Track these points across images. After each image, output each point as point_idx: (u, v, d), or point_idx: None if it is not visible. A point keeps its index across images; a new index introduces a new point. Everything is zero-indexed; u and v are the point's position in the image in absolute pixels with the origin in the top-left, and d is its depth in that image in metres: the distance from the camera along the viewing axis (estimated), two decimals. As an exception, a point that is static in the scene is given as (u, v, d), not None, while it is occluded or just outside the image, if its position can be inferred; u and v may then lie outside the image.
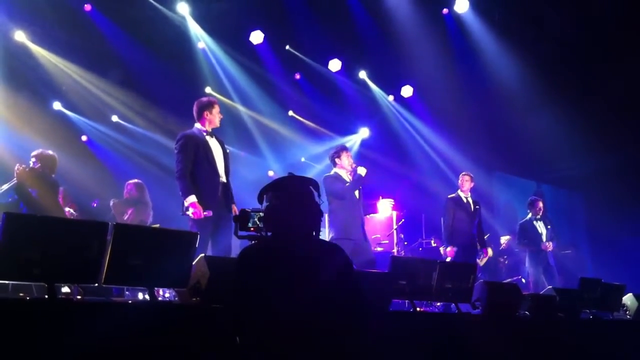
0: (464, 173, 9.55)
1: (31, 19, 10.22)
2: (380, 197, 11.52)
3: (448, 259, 8.83)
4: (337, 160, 7.85)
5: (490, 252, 12.43)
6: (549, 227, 10.16)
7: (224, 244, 6.25)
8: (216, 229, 6.25)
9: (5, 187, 7.54)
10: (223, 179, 6.45)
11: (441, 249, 9.62)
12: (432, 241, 11.60)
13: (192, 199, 6.13)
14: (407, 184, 13.36)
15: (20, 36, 10.43)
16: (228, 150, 6.78)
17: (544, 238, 10.00)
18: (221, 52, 11.96)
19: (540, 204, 10.27)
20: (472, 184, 9.36)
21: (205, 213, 6.13)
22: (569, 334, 6.55)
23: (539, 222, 10.16)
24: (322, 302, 3.04)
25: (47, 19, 10.19)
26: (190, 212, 6.11)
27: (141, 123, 12.03)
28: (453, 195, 9.36)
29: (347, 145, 10.78)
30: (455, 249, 8.96)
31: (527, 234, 10.17)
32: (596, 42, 11.38)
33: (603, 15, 10.83)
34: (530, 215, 10.29)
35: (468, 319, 6.01)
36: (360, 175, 7.63)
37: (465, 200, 9.27)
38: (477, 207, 9.31)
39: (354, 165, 7.78)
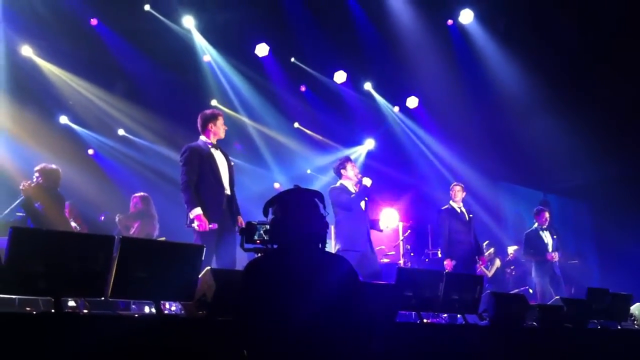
0: (454, 184, 9.52)
1: (37, 34, 10.29)
2: (382, 209, 11.48)
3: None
4: (342, 171, 7.81)
5: (498, 262, 12.37)
6: (555, 237, 10.11)
7: (228, 256, 6.23)
8: (220, 241, 6.24)
9: (16, 201, 7.60)
10: (227, 191, 6.44)
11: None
12: (439, 252, 11.56)
13: (198, 211, 6.12)
14: (413, 194, 13.34)
15: (27, 51, 10.52)
16: (233, 163, 6.78)
17: (549, 248, 9.96)
18: (226, 64, 12.01)
19: (546, 214, 10.23)
20: (464, 194, 9.36)
21: (210, 226, 6.11)
22: (577, 344, 6.52)
23: (545, 232, 10.12)
24: (328, 314, 3.04)
25: (53, 33, 10.24)
26: (195, 224, 6.10)
27: (147, 136, 12.08)
28: (446, 206, 9.32)
29: (353, 156, 10.77)
30: (454, 262, 8.91)
31: (533, 244, 10.13)
32: (600, 51, 11.37)
33: (607, 23, 10.83)
34: (536, 225, 10.25)
35: (475, 330, 5.98)
36: (365, 186, 7.61)
37: (459, 210, 9.24)
38: (471, 215, 9.30)
39: (359, 176, 7.76)
